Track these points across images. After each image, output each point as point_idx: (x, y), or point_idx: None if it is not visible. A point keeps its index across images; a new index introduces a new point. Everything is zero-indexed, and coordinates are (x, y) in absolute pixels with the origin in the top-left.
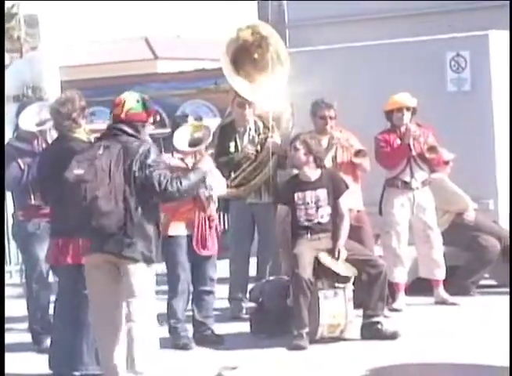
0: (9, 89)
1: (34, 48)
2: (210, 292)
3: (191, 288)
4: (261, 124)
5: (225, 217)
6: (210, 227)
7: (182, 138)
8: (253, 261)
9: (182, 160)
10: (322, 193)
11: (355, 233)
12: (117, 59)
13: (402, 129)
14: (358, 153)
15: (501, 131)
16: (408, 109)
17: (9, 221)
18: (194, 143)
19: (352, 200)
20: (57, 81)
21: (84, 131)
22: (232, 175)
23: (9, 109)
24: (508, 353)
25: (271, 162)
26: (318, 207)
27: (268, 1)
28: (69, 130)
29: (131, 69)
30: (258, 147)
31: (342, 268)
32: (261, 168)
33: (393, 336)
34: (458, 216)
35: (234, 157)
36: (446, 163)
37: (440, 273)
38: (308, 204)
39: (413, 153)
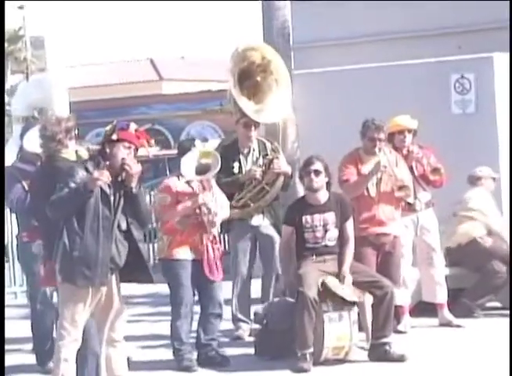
0: (17, 111)
1: (42, 69)
2: (218, 315)
3: (194, 310)
4: (269, 145)
5: (226, 238)
6: (214, 251)
7: (189, 165)
8: (257, 282)
9: (189, 183)
10: (331, 217)
11: (387, 258)
12: (122, 80)
13: (404, 151)
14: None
15: (505, 153)
16: (409, 131)
17: (13, 242)
18: (201, 170)
19: (391, 226)
20: (66, 102)
21: (77, 152)
22: (237, 196)
23: (18, 130)
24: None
25: (278, 183)
26: (326, 231)
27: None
28: (55, 151)
29: (136, 90)
30: (264, 168)
31: (348, 293)
32: (266, 190)
33: (401, 358)
34: (471, 239)
35: (239, 178)
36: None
37: (442, 297)
38: (316, 227)
39: (416, 174)
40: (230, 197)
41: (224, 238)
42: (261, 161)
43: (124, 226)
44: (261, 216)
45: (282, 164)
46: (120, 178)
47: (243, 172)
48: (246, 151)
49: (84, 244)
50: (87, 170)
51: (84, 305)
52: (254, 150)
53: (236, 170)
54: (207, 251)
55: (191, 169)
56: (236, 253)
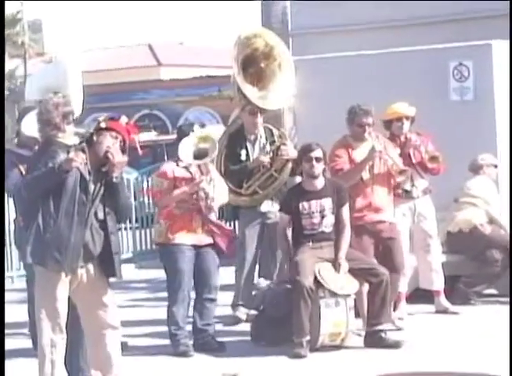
0: (31, 94)
1: (40, 53)
2: (213, 300)
3: (192, 295)
4: (276, 131)
5: (235, 224)
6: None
7: (187, 149)
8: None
9: (187, 168)
10: (327, 203)
11: (388, 245)
12: (120, 65)
13: (402, 138)
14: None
15: (504, 140)
16: (407, 118)
17: (11, 226)
18: (199, 154)
19: (387, 213)
20: (80, 85)
21: (74, 135)
22: (245, 184)
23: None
24: (508, 362)
25: (287, 170)
26: (323, 217)
27: (271, 8)
28: (52, 135)
29: (134, 75)
30: (271, 155)
31: (341, 286)
32: (275, 177)
33: (396, 345)
34: (471, 226)
35: (247, 166)
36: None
37: (439, 284)
38: (313, 213)
39: (413, 161)
40: (239, 185)
41: (231, 224)
42: (268, 148)
43: (101, 216)
44: (270, 203)
45: (289, 150)
46: (103, 168)
47: (251, 160)
48: (253, 138)
49: (57, 226)
50: (68, 154)
51: (61, 290)
52: (260, 137)
53: (243, 157)
54: (211, 234)
55: (189, 154)
56: (244, 239)
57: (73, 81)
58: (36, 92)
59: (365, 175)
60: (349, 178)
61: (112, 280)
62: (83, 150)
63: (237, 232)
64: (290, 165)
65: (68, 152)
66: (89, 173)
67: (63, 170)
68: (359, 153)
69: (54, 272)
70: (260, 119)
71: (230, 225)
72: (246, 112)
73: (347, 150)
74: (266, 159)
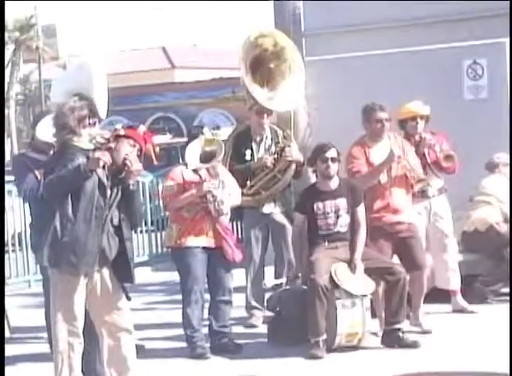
0: (58, 97)
1: (54, 58)
2: (228, 302)
3: (206, 297)
4: (280, 132)
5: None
6: (228, 236)
7: (193, 153)
8: (271, 270)
9: (196, 171)
10: (342, 203)
11: (407, 244)
12: (134, 68)
13: (417, 138)
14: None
15: None
16: (422, 117)
17: (27, 231)
18: (206, 157)
19: (405, 214)
20: (105, 88)
21: (91, 139)
22: (249, 184)
23: None
24: None
25: (290, 171)
26: (338, 217)
27: (284, 9)
28: (67, 139)
29: (148, 78)
30: (275, 156)
31: (357, 286)
32: (278, 178)
33: (414, 344)
34: (487, 225)
35: (250, 166)
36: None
37: (456, 283)
38: (328, 213)
39: (428, 161)
40: (242, 185)
41: (237, 226)
42: (273, 149)
43: (116, 221)
44: (273, 204)
45: (294, 152)
46: (120, 174)
47: (255, 160)
48: (258, 139)
49: (74, 230)
50: (88, 158)
51: (77, 294)
52: (266, 138)
53: (248, 157)
54: (222, 236)
55: (195, 157)
56: (249, 240)
57: (99, 84)
58: (61, 95)
59: (383, 178)
60: (367, 181)
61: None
62: (108, 150)
63: (242, 233)
64: (293, 167)
65: (87, 156)
66: (107, 178)
67: (89, 169)
68: (376, 153)
69: (70, 276)
70: (267, 120)
71: (234, 224)
72: (253, 112)
73: (364, 151)
74: (270, 159)
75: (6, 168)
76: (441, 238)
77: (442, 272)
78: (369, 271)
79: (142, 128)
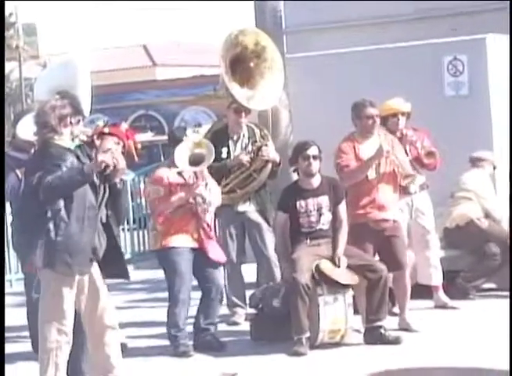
0: (39, 95)
1: (34, 56)
2: (220, 300)
3: (192, 296)
4: (258, 132)
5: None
6: (211, 236)
7: (182, 155)
8: (252, 267)
9: (180, 174)
10: (324, 200)
11: (391, 242)
12: (115, 66)
13: (398, 134)
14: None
15: (499, 135)
16: (403, 114)
17: (8, 230)
18: (195, 160)
19: (391, 211)
20: (89, 85)
21: (73, 137)
22: (224, 182)
23: None
24: (508, 356)
25: (266, 171)
26: (320, 215)
27: (265, 6)
28: (48, 138)
29: (129, 76)
30: (252, 155)
31: (343, 276)
32: (254, 177)
33: (396, 341)
34: (468, 220)
35: (226, 164)
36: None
37: (438, 279)
38: (310, 211)
39: (410, 157)
40: (218, 183)
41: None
42: (250, 148)
43: (104, 219)
44: (248, 203)
45: (270, 152)
46: (106, 172)
47: (232, 158)
48: (235, 137)
49: (68, 230)
50: (78, 157)
51: (69, 293)
52: (243, 137)
53: (224, 155)
54: (208, 237)
55: (184, 160)
56: (225, 238)
57: (83, 81)
58: (45, 92)
59: (372, 173)
60: (355, 175)
61: (111, 281)
62: (112, 152)
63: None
64: (269, 166)
65: (77, 157)
66: (96, 177)
67: (94, 171)
68: (366, 149)
69: (64, 276)
70: (244, 118)
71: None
72: (231, 110)
73: (354, 146)
74: (246, 158)
75: None
76: (423, 234)
77: (424, 268)
78: (350, 268)
79: (125, 125)
